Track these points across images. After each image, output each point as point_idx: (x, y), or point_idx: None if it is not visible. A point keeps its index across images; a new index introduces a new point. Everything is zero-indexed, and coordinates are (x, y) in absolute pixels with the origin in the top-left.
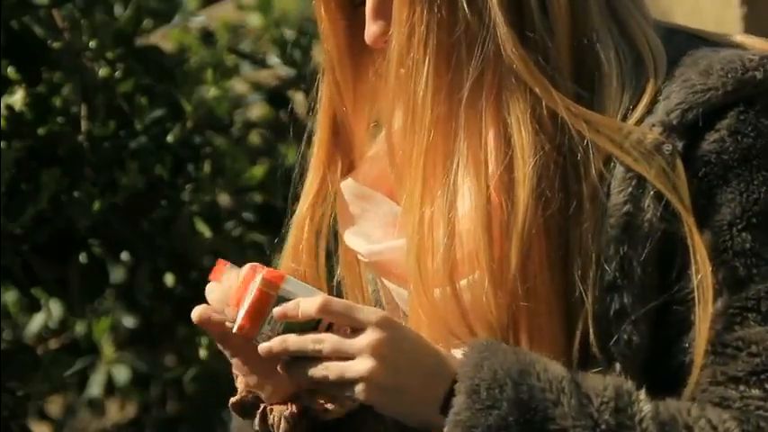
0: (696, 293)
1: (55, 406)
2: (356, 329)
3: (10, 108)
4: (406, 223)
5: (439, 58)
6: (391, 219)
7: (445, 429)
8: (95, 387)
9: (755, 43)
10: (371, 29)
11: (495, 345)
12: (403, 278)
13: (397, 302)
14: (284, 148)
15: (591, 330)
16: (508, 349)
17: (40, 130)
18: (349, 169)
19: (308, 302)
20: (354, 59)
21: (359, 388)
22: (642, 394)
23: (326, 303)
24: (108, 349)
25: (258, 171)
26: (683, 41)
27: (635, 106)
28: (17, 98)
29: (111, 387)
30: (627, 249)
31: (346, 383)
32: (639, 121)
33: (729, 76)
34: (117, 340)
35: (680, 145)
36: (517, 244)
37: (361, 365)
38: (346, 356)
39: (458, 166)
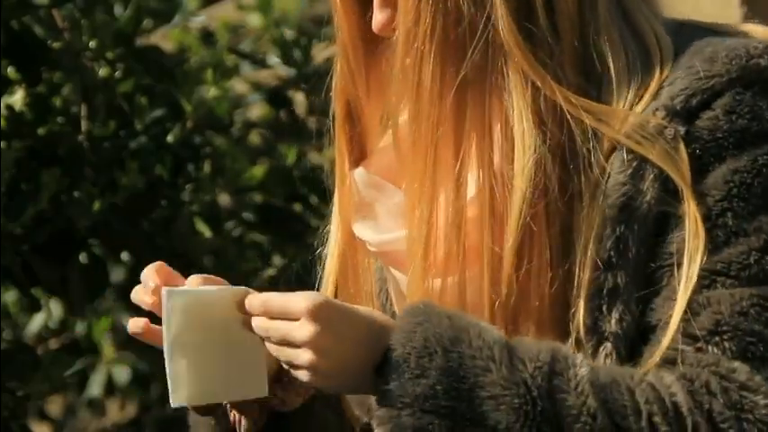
0: (676, 258)
1: (55, 406)
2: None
3: (10, 108)
4: (411, 212)
5: (445, 49)
6: (401, 209)
7: (375, 399)
8: (95, 387)
9: (762, 31)
10: (378, 17)
11: (430, 309)
12: (406, 265)
13: (403, 292)
14: (284, 148)
15: (582, 309)
16: (443, 313)
17: (40, 130)
18: (361, 157)
19: (254, 299)
20: (367, 49)
21: (303, 374)
22: (579, 358)
23: (266, 300)
24: (108, 349)
25: (258, 171)
26: (691, 32)
27: (641, 98)
28: (17, 98)
29: (111, 387)
30: (624, 229)
31: (294, 367)
32: (644, 109)
33: (734, 63)
34: (117, 340)
35: (682, 130)
36: (513, 234)
37: (303, 357)
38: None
39: (465, 156)
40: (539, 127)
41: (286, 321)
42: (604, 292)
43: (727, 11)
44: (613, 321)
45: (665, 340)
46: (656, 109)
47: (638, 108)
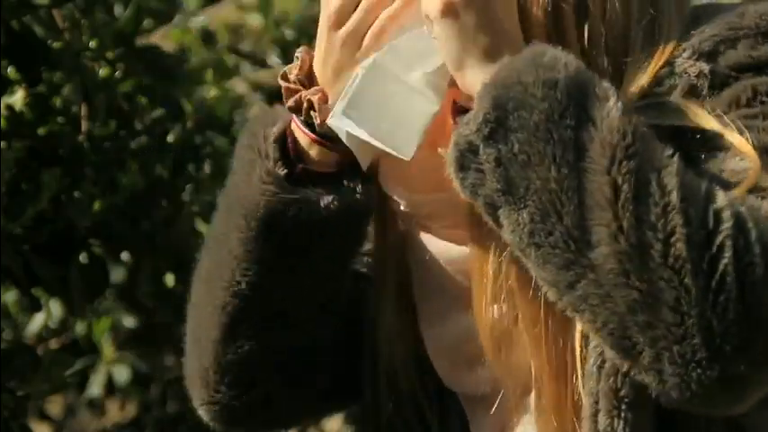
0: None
1: (55, 406)
2: None
3: (10, 108)
4: None
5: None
6: (434, 173)
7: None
8: (95, 387)
9: None
10: None
11: None
12: (441, 231)
13: (432, 257)
14: None
15: None
16: None
17: (40, 130)
18: None
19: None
20: None
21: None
22: None
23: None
24: (108, 349)
25: None
26: (718, 6)
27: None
28: (17, 98)
29: (111, 387)
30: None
31: None
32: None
33: (763, 18)
34: (117, 340)
35: (707, 68)
36: None
37: None
38: None
39: None
40: None
41: None
42: None
43: None
44: None
45: None
46: (684, 49)
47: (665, 53)
